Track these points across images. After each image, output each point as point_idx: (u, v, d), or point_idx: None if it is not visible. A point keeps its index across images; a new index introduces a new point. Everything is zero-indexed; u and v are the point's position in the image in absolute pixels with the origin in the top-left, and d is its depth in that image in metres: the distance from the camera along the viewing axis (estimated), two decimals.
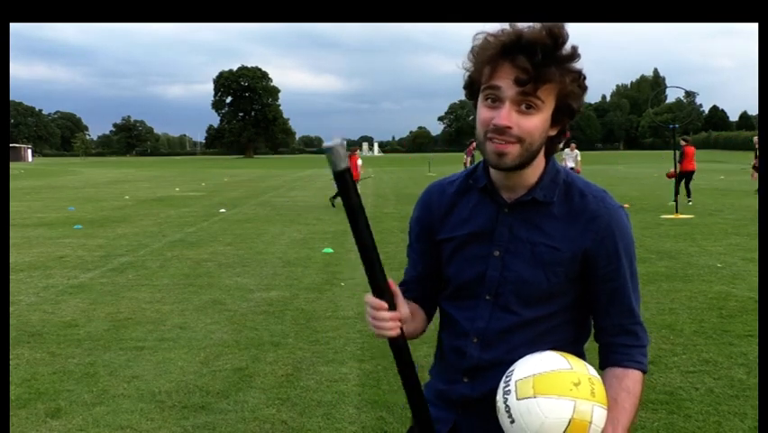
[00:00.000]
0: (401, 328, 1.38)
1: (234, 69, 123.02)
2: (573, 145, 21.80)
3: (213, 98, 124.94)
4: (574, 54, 1.32)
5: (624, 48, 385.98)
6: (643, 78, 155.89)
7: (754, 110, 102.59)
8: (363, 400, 4.17)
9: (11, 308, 6.52)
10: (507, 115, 1.31)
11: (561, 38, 1.30)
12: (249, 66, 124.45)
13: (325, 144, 1.26)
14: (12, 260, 9.18)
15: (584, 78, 1.36)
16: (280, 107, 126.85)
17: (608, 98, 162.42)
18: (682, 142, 17.29)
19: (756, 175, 16.92)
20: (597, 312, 1.48)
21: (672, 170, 16.68)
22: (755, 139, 17.53)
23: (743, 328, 5.52)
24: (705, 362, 4.77)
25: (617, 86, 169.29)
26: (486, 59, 1.32)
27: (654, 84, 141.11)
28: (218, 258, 9.59)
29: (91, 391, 4.40)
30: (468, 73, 1.39)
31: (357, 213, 1.30)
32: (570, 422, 1.26)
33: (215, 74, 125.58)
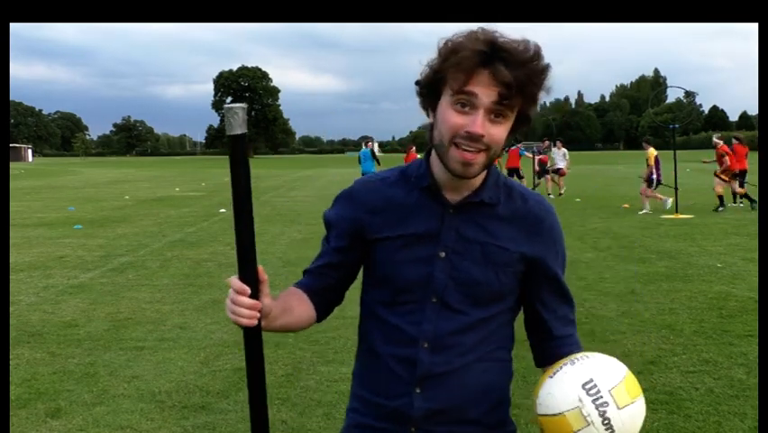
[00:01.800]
0: (258, 320, 1.32)
1: (234, 69, 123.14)
2: (560, 143, 21.12)
3: (213, 98, 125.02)
4: (547, 70, 1.34)
5: (624, 48, 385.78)
6: (642, 78, 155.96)
7: (753, 110, 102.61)
8: None
9: (11, 308, 6.52)
10: (481, 124, 1.31)
11: (540, 55, 1.31)
12: (249, 66, 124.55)
13: (227, 105, 1.23)
14: (12, 260, 9.18)
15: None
16: (280, 107, 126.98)
17: (608, 98, 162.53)
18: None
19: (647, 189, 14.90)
20: (542, 310, 1.51)
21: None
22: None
23: (743, 328, 5.52)
24: (705, 362, 4.77)
25: (617, 86, 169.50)
26: (462, 64, 1.30)
27: (654, 84, 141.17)
28: (218, 258, 9.59)
29: (91, 391, 4.40)
30: (433, 71, 1.35)
31: (242, 184, 1.27)
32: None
33: (215, 74, 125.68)
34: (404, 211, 1.45)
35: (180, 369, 4.80)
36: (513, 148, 20.18)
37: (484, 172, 1.42)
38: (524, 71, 1.29)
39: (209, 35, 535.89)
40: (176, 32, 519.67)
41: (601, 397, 1.30)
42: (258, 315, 1.31)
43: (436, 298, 1.42)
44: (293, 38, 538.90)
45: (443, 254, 1.42)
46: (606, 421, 1.29)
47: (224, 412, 4.02)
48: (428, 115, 1.41)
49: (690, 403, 4.03)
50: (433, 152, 1.44)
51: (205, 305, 6.73)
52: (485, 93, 1.30)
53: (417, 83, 1.40)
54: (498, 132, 1.33)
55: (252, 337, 1.33)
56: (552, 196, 19.32)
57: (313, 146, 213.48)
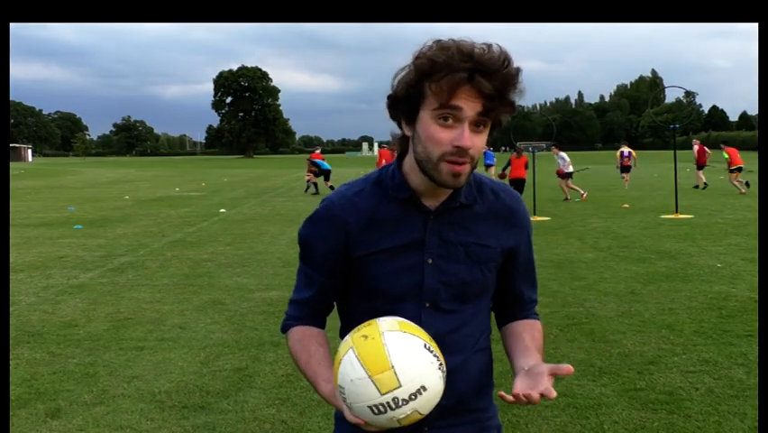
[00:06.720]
0: None
1: (234, 68, 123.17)
2: (555, 149, 19.49)
3: (213, 98, 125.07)
4: (519, 74, 1.36)
5: (624, 48, 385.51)
6: (642, 79, 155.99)
7: (753, 110, 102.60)
8: None
9: (11, 308, 6.52)
10: (469, 137, 1.33)
11: (510, 60, 1.33)
12: (249, 66, 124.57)
13: None
14: (12, 260, 9.18)
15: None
16: (280, 107, 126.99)
17: (608, 98, 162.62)
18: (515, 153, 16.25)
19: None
20: (508, 293, 1.60)
21: (504, 171, 16.55)
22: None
23: (743, 328, 5.52)
24: (705, 362, 4.77)
25: (617, 86, 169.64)
26: (447, 80, 1.30)
27: (653, 84, 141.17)
28: (218, 258, 9.59)
29: (91, 391, 4.40)
30: (410, 86, 1.35)
31: None
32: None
33: (215, 74, 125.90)
34: (386, 224, 1.47)
35: (180, 369, 4.80)
36: (519, 157, 16.76)
37: None
38: (501, 80, 1.31)
39: (208, 35, 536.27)
40: (174, 32, 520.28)
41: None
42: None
43: (429, 303, 1.47)
44: (291, 38, 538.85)
45: (430, 261, 1.46)
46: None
47: (224, 412, 4.02)
48: (401, 127, 1.42)
49: (690, 403, 4.03)
50: (406, 161, 1.45)
51: (204, 305, 6.73)
52: (469, 106, 1.32)
53: (390, 97, 1.40)
54: (480, 141, 1.37)
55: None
56: (577, 199, 18.44)
57: (313, 146, 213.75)
